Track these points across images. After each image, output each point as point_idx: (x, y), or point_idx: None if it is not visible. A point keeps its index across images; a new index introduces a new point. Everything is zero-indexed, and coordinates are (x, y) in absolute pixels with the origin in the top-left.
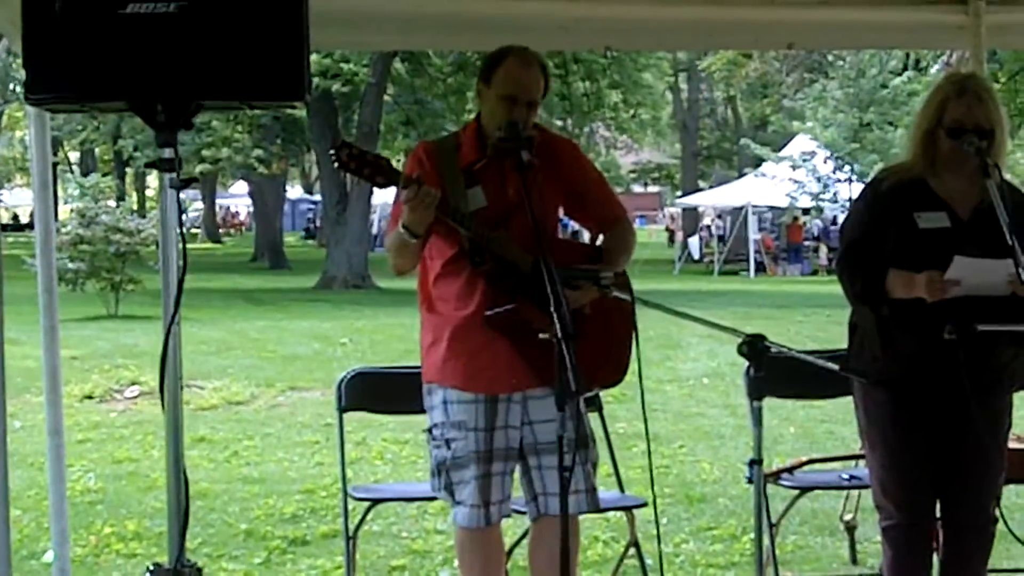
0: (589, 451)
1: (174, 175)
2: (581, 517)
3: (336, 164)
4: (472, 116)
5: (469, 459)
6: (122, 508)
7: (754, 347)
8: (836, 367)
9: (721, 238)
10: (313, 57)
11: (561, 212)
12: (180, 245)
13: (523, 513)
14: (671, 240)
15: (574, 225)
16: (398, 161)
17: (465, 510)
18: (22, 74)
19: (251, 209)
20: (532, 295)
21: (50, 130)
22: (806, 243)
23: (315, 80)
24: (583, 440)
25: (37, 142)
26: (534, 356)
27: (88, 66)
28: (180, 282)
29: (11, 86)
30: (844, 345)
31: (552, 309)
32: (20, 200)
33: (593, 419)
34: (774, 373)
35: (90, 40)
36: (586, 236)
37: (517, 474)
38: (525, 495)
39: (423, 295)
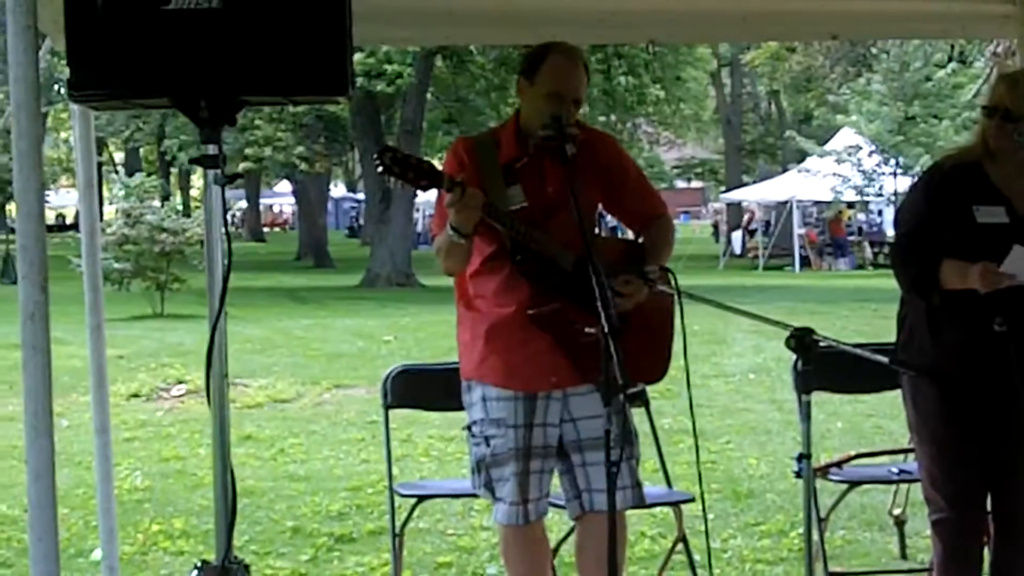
0: (634, 447)
1: (218, 171)
2: (628, 513)
3: (379, 168)
4: (510, 112)
5: (508, 456)
6: (169, 506)
7: (802, 341)
8: (885, 360)
9: (753, 233)
10: (357, 57)
11: (600, 208)
12: (225, 241)
13: (562, 507)
14: (716, 234)
15: (611, 220)
16: (440, 159)
17: (505, 507)
18: (66, 75)
19: (295, 208)
20: (574, 292)
21: (94, 130)
22: (850, 238)
23: (359, 80)
24: (628, 435)
25: (82, 141)
26: (576, 353)
27: (131, 63)
28: (226, 277)
29: (56, 87)
30: (892, 339)
31: (599, 304)
32: (66, 201)
33: (640, 415)
34: (822, 367)
35: (133, 37)
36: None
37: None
38: (567, 493)
39: (460, 292)
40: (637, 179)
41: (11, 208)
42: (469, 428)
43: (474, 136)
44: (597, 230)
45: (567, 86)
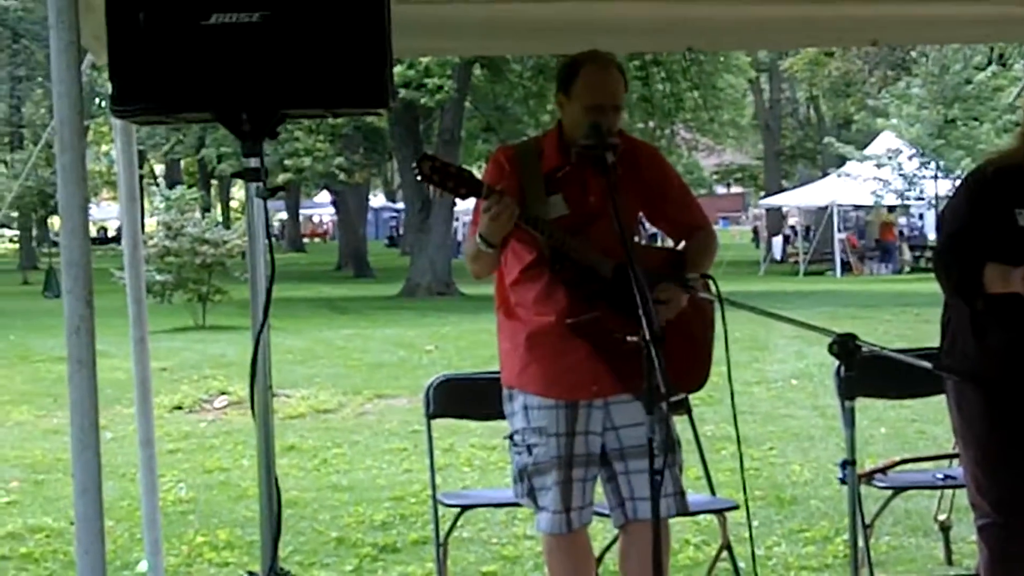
0: (676, 454)
1: (260, 185)
2: (671, 520)
3: (419, 177)
4: (551, 118)
5: (550, 465)
6: (214, 517)
7: (845, 346)
8: (929, 365)
9: (788, 238)
10: (396, 69)
11: (642, 217)
12: (268, 253)
13: (606, 515)
14: (756, 240)
15: (650, 227)
16: (479, 167)
17: (548, 516)
18: (106, 89)
19: (334, 218)
20: (613, 300)
21: (136, 143)
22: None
23: (400, 92)
24: (671, 443)
25: (124, 155)
26: (616, 361)
27: (173, 77)
28: (268, 290)
29: (96, 101)
30: (935, 343)
31: (640, 312)
32: (107, 214)
33: (683, 422)
34: (865, 373)
35: (175, 51)
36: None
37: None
38: (610, 501)
39: (501, 300)
40: (679, 190)
41: (53, 221)
42: (511, 437)
43: (516, 144)
44: (637, 238)
45: (605, 95)
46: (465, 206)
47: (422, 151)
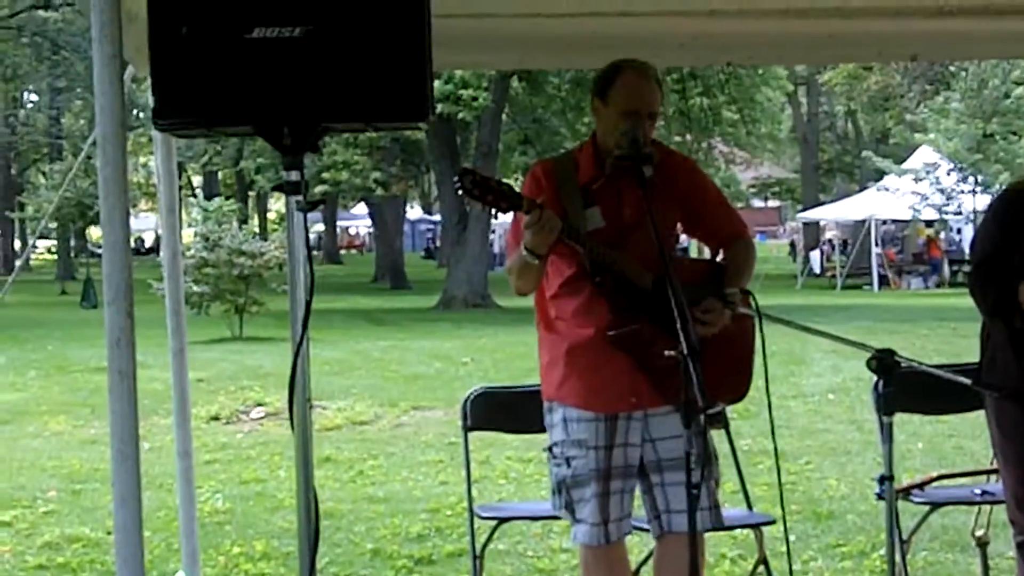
0: (712, 468)
1: (300, 198)
2: (709, 534)
3: (459, 191)
4: (589, 130)
5: (589, 477)
6: (250, 528)
7: (883, 362)
8: (968, 381)
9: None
10: (435, 83)
11: (680, 229)
12: (307, 266)
13: (646, 531)
14: (793, 253)
15: (682, 240)
16: (515, 180)
17: (585, 528)
18: (144, 100)
19: (371, 229)
20: (653, 313)
21: (176, 156)
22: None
23: (438, 106)
24: (708, 457)
25: (164, 168)
26: (656, 374)
27: (215, 91)
28: (308, 303)
29: (135, 112)
30: (972, 358)
31: (678, 326)
32: (144, 225)
33: (720, 436)
34: (903, 388)
35: (217, 65)
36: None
37: (638, 492)
38: (648, 513)
39: (541, 314)
40: (717, 200)
41: (91, 232)
42: (550, 449)
43: (553, 158)
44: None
45: (641, 102)
46: (502, 219)
47: (459, 163)
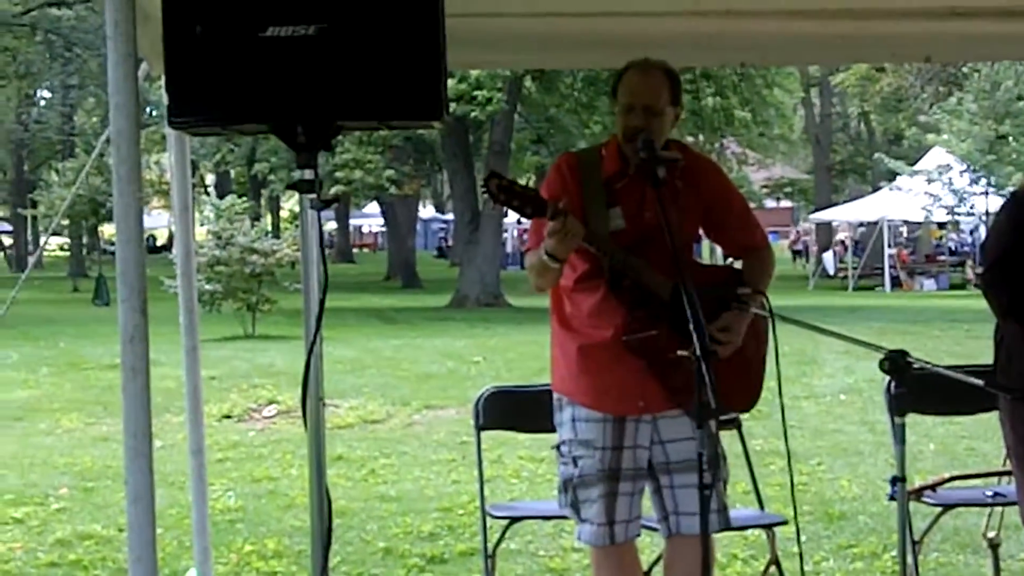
0: (721, 470)
1: (314, 196)
2: (719, 535)
3: (486, 195)
4: (601, 129)
5: (596, 478)
6: (262, 526)
7: (896, 363)
8: (981, 383)
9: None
10: (449, 82)
11: (700, 232)
12: (321, 264)
13: (656, 531)
14: (795, 257)
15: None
16: (529, 179)
17: (590, 528)
18: (157, 98)
19: (383, 228)
20: (673, 322)
21: (189, 154)
22: (940, 257)
23: (452, 106)
24: (718, 459)
25: (178, 166)
26: (668, 378)
27: (229, 89)
28: (322, 301)
29: (147, 110)
30: (984, 360)
31: (691, 328)
32: (156, 223)
33: (731, 436)
34: (915, 389)
35: (231, 63)
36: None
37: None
38: (656, 514)
39: (556, 307)
40: (741, 211)
41: (103, 230)
42: (558, 447)
43: (579, 151)
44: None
45: (633, 95)
46: (515, 218)
47: (472, 163)
